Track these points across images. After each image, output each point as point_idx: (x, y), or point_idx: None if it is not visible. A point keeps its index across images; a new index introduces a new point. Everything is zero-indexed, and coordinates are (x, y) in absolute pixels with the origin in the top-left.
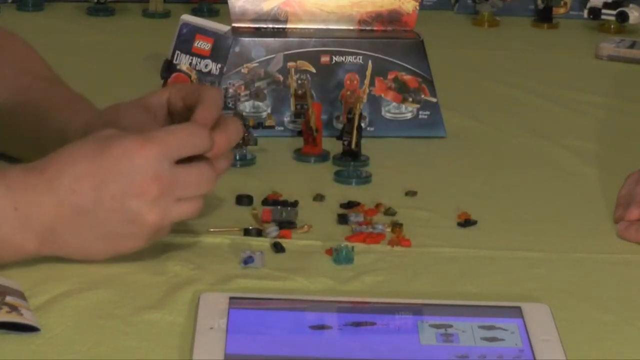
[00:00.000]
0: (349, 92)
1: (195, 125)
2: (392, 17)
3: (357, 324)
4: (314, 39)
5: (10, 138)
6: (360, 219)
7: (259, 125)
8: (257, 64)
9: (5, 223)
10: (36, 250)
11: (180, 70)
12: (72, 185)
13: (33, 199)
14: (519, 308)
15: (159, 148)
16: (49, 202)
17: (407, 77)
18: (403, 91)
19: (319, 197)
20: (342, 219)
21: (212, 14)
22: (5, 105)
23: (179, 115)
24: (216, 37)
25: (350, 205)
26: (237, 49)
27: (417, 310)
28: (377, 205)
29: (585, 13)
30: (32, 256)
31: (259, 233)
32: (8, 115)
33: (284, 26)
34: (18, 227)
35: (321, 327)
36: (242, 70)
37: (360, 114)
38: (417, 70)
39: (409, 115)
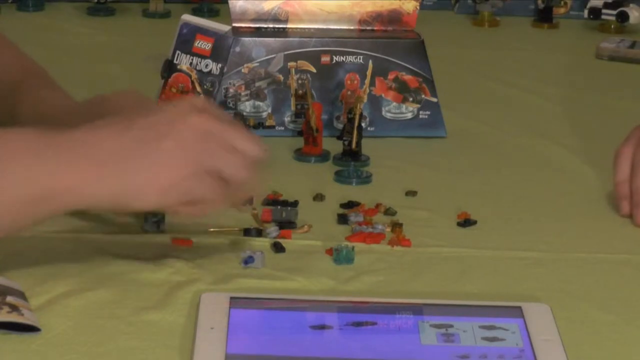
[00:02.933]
0: (349, 92)
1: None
2: (393, 17)
3: (358, 324)
4: (314, 39)
5: None
6: (360, 218)
7: (260, 125)
8: (257, 64)
9: (47, 146)
10: (98, 178)
11: (180, 70)
12: (104, 122)
13: (63, 137)
14: (519, 308)
15: (206, 104)
16: (79, 137)
17: (407, 77)
18: (403, 91)
19: (319, 197)
20: (342, 219)
21: (212, 14)
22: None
23: None
24: (217, 37)
25: (351, 205)
26: (237, 49)
27: (417, 310)
28: (377, 205)
29: (586, 13)
30: (96, 184)
31: (259, 233)
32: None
33: (284, 26)
34: (56, 153)
35: (322, 327)
36: (243, 70)
37: (361, 114)
38: (418, 70)
39: (409, 115)
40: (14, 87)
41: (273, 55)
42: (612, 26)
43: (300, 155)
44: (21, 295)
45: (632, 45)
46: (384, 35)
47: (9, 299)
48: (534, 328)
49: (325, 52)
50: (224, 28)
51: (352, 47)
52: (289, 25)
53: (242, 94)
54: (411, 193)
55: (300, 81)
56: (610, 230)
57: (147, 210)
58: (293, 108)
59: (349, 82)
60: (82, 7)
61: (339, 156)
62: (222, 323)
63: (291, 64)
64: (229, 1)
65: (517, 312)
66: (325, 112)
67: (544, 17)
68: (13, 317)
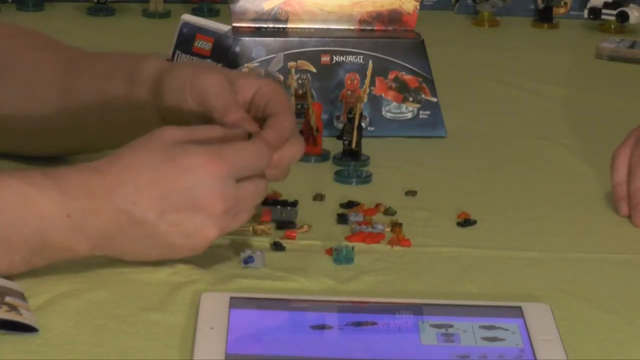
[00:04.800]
0: (349, 92)
1: (261, 146)
2: (393, 17)
3: (358, 324)
4: (314, 39)
5: (74, 131)
6: (360, 218)
7: None
8: (257, 64)
9: (57, 228)
10: (87, 253)
11: None
12: (133, 196)
13: (89, 206)
14: (519, 308)
15: (227, 168)
16: (107, 211)
17: (407, 77)
18: (403, 91)
19: (319, 197)
20: (342, 219)
21: (212, 13)
22: (58, 103)
23: (254, 111)
24: (217, 37)
25: (350, 205)
26: (237, 49)
27: (417, 310)
28: (377, 205)
29: (586, 13)
30: (82, 257)
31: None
32: (59, 114)
33: (284, 26)
34: (70, 232)
35: (322, 327)
36: (243, 70)
37: (361, 114)
38: (418, 70)
39: (409, 115)
40: (61, 77)
41: (273, 55)
42: (612, 26)
43: None
44: (20, 295)
45: (632, 45)
46: (384, 35)
47: (8, 299)
48: (534, 328)
49: (325, 52)
50: (224, 28)
51: (352, 47)
52: (289, 25)
53: None
54: (411, 193)
55: (300, 81)
56: (610, 230)
57: None
58: (293, 108)
59: (349, 81)
60: (82, 7)
61: (339, 156)
62: (222, 323)
63: (291, 63)
64: (229, 1)
65: (517, 312)
66: (325, 111)
67: (544, 17)
68: (12, 316)
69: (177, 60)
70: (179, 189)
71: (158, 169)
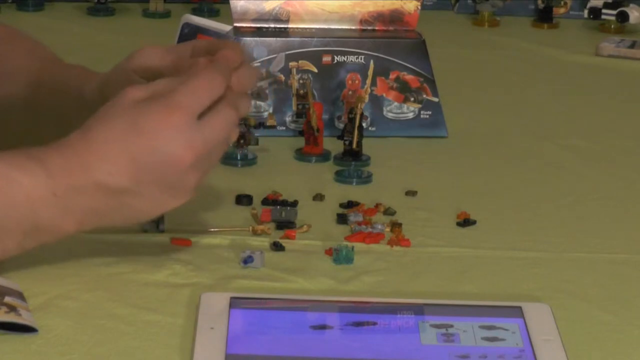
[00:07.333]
0: (350, 92)
1: (208, 73)
2: (394, 17)
3: (358, 324)
4: (315, 39)
5: (34, 127)
6: (360, 218)
7: (260, 125)
8: (258, 64)
9: (45, 209)
10: (76, 230)
11: None
12: (108, 168)
13: (72, 183)
14: (519, 308)
15: (186, 114)
16: (88, 186)
17: (408, 77)
18: (405, 91)
19: (318, 197)
20: (342, 219)
21: (212, 14)
22: (22, 96)
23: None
24: (218, 37)
25: (350, 205)
26: None
27: (417, 310)
28: (377, 205)
29: (586, 13)
30: (71, 235)
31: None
32: (26, 108)
33: (285, 26)
34: (58, 212)
35: (322, 327)
36: None
37: (362, 114)
38: (419, 70)
39: (410, 115)
40: (34, 76)
41: (274, 55)
42: (612, 26)
43: (301, 155)
44: (20, 295)
45: (632, 45)
46: (385, 35)
47: (7, 299)
48: (534, 328)
49: (327, 52)
50: (225, 28)
51: (353, 47)
52: (290, 25)
53: None
54: (411, 193)
55: (301, 81)
56: (610, 230)
57: None
58: (294, 108)
59: (350, 82)
60: (82, 7)
61: (340, 156)
62: (222, 323)
63: (292, 63)
64: (230, 1)
65: (517, 312)
66: (326, 112)
67: (544, 17)
68: (11, 317)
69: None
70: (147, 151)
71: (125, 137)
